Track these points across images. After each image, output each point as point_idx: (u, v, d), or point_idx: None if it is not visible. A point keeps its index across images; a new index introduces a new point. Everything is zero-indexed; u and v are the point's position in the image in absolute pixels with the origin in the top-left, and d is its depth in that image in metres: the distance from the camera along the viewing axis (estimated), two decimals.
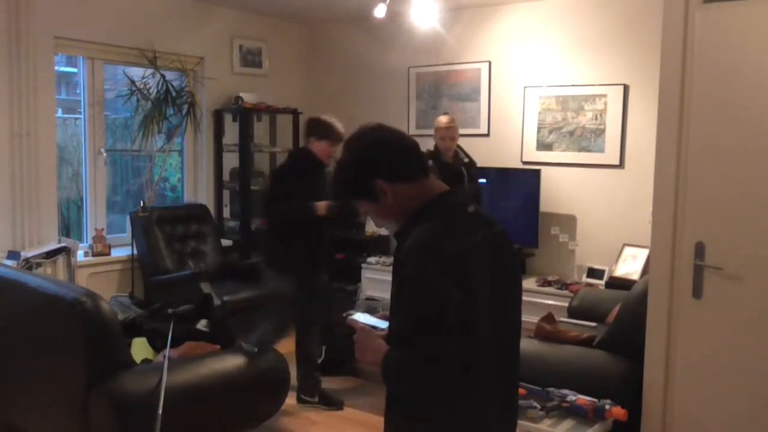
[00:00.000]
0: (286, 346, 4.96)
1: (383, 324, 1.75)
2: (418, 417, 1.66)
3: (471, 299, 1.57)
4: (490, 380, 1.67)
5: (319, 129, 4.15)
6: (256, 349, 3.30)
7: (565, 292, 4.92)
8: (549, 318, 3.83)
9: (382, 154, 1.70)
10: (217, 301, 4.52)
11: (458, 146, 4.77)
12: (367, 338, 1.68)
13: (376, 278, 5.61)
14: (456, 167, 4.65)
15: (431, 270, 1.55)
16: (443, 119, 4.71)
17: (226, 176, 6.02)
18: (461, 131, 5.75)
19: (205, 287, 4.79)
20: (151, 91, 5.35)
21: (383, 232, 5.53)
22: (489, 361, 1.66)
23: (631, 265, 4.83)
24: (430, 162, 4.68)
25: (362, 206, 1.75)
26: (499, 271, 1.69)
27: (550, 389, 3.19)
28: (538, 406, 3.07)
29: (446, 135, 4.64)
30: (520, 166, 5.45)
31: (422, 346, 1.53)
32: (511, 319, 1.78)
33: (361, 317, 1.78)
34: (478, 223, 1.72)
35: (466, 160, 4.75)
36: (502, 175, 5.42)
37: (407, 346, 1.55)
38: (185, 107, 5.51)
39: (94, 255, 5.11)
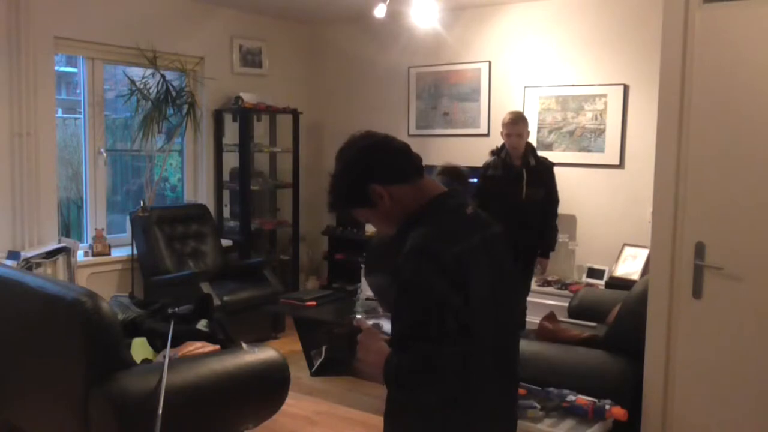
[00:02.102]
0: (286, 345, 4.97)
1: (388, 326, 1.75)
2: (418, 419, 1.66)
3: (470, 302, 1.57)
4: (489, 383, 1.67)
5: None
6: (255, 349, 3.31)
7: (565, 292, 4.92)
8: (551, 317, 3.83)
9: (375, 158, 1.71)
10: (217, 301, 4.52)
11: (531, 147, 4.59)
12: (371, 339, 1.68)
13: None
14: (518, 169, 4.48)
15: (429, 274, 1.55)
16: (506, 116, 4.51)
17: (226, 176, 6.02)
18: (462, 131, 5.82)
19: (205, 287, 4.80)
20: (151, 91, 5.35)
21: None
22: (488, 364, 1.66)
23: (631, 265, 4.83)
24: (492, 157, 4.61)
25: (361, 214, 1.75)
26: (497, 272, 1.69)
27: (550, 389, 3.19)
28: (538, 406, 3.07)
29: (512, 132, 4.44)
30: None
31: (421, 350, 1.53)
32: (509, 322, 1.78)
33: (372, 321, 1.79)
34: (476, 224, 1.72)
35: (532, 162, 4.53)
36: None
37: (407, 351, 1.56)
38: (185, 107, 5.51)
39: (94, 255, 5.11)
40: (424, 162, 1.78)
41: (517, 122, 4.47)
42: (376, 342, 1.67)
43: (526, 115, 4.95)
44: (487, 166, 4.63)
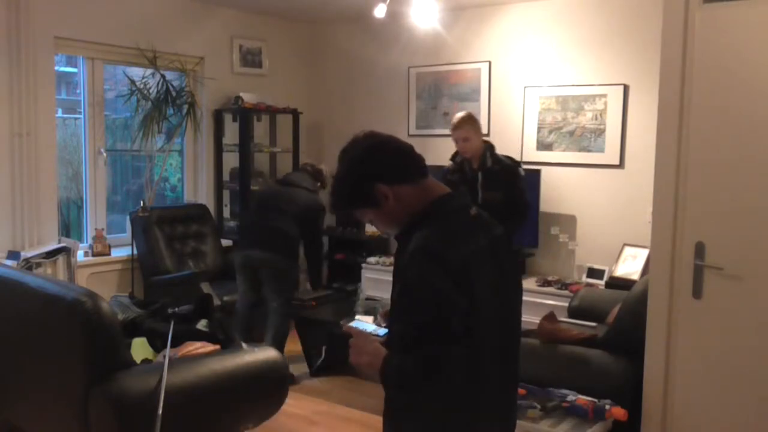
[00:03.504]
0: (286, 345, 4.96)
1: (381, 332, 1.75)
2: (419, 420, 1.66)
3: (474, 304, 1.57)
4: (490, 384, 1.67)
5: None
6: (255, 349, 3.31)
7: (565, 292, 4.92)
8: (551, 317, 3.83)
9: (379, 158, 1.70)
10: (217, 301, 4.52)
11: (489, 147, 4.30)
12: (365, 342, 1.68)
13: (376, 278, 5.62)
14: (474, 172, 4.26)
15: (434, 276, 1.54)
16: (454, 117, 4.26)
17: (226, 176, 6.02)
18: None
19: (205, 287, 4.80)
20: (151, 91, 5.35)
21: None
22: (490, 366, 1.66)
23: (631, 265, 4.82)
24: (451, 162, 4.41)
25: (365, 215, 1.75)
26: (500, 275, 1.69)
27: (550, 389, 3.19)
28: (538, 406, 3.08)
29: (457, 137, 4.20)
30: None
31: (425, 351, 1.53)
32: (511, 323, 1.78)
33: (360, 325, 1.78)
34: (480, 226, 1.72)
35: (488, 164, 4.23)
36: None
37: (409, 352, 1.55)
38: (185, 107, 5.51)
39: (94, 255, 5.11)
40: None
41: (460, 126, 4.18)
42: (369, 344, 1.66)
43: (526, 114, 4.91)
44: (446, 171, 4.42)
